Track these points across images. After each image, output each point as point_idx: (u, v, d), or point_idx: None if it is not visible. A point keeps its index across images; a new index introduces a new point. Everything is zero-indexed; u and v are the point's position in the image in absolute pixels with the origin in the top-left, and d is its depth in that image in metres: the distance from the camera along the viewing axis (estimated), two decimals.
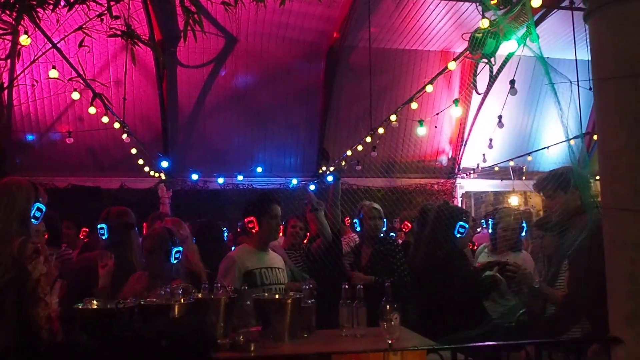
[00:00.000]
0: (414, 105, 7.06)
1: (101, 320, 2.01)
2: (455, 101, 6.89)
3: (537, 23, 6.83)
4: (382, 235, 3.75)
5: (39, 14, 2.56)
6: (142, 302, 2.10)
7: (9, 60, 6.54)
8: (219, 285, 2.35)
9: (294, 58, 8.97)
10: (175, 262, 2.75)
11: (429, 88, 6.80)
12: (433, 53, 9.20)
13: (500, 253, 3.52)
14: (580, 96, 3.87)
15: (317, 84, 9.35)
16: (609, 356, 1.89)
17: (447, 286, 2.96)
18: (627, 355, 1.83)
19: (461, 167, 10.56)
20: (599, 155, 1.97)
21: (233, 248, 4.08)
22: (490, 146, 9.10)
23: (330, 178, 8.47)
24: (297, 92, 9.27)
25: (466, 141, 10.30)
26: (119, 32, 2.91)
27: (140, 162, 8.50)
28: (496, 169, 9.96)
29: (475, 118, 9.94)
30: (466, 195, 10.71)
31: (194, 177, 9.47)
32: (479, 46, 3.47)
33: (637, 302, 1.82)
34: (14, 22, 2.66)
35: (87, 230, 5.35)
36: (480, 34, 3.47)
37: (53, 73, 5.98)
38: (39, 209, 2.16)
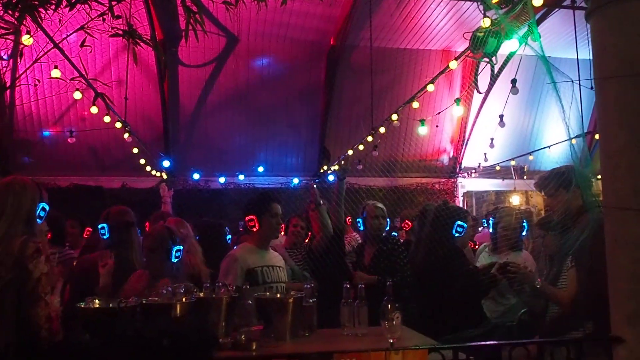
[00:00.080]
0: (415, 105, 7.05)
1: (103, 320, 2.02)
2: (457, 100, 6.88)
3: (539, 22, 6.82)
4: (384, 234, 3.75)
5: (41, 13, 2.57)
6: (144, 302, 2.11)
7: (11, 60, 6.58)
8: (220, 284, 2.35)
9: (295, 57, 8.97)
10: (175, 260, 2.76)
11: (430, 87, 6.80)
12: (434, 52, 9.19)
13: (500, 252, 3.52)
14: (581, 95, 3.86)
15: (318, 83, 9.35)
16: (611, 356, 1.90)
17: (447, 285, 2.97)
18: (629, 355, 1.83)
19: (462, 166, 10.55)
20: (601, 155, 1.97)
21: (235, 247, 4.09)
22: (492, 145, 9.09)
23: (331, 177, 8.48)
24: (298, 92, 9.27)
25: (467, 140, 10.29)
26: (120, 32, 2.92)
27: (142, 161, 8.51)
28: (497, 168, 9.94)
29: (476, 117, 9.93)
30: (467, 194, 10.70)
31: (196, 176, 9.48)
32: (481, 45, 3.47)
33: (638, 302, 1.82)
34: (16, 22, 2.67)
35: (91, 229, 5.36)
36: (482, 33, 3.47)
37: (55, 73, 5.99)
38: (43, 209, 2.18)
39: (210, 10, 7.14)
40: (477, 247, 4.74)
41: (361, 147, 7.87)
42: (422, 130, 7.49)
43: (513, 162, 9.67)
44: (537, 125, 10.28)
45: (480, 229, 6.61)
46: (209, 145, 9.37)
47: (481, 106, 9.68)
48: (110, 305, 2.06)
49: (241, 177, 9.67)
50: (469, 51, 4.11)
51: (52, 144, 8.91)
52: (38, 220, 2.15)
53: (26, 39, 3.45)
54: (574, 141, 2.36)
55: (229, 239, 4.19)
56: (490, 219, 3.91)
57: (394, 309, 1.99)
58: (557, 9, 6.22)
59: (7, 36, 2.83)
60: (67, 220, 4.34)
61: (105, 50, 8.23)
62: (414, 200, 9.01)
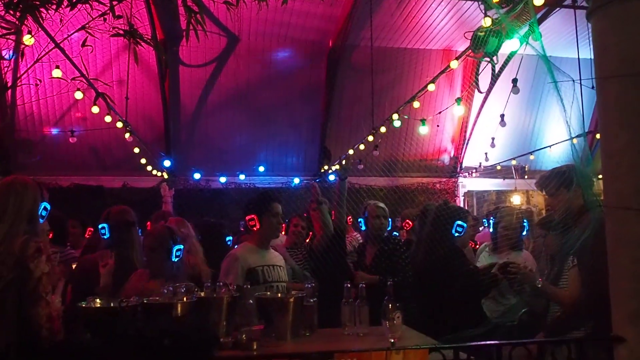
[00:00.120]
0: (416, 104, 7.05)
1: (104, 319, 2.02)
2: (458, 100, 6.89)
3: (540, 21, 6.82)
4: (386, 234, 3.75)
5: (42, 13, 2.57)
6: (145, 301, 2.11)
7: (12, 60, 6.58)
8: (221, 283, 2.36)
9: (296, 57, 8.97)
10: (176, 260, 2.76)
11: (431, 87, 6.80)
12: (435, 52, 9.19)
13: (501, 252, 3.52)
14: (583, 95, 3.85)
15: (318, 83, 9.34)
16: (612, 355, 1.89)
17: (447, 285, 2.97)
18: (630, 354, 1.83)
19: (463, 166, 10.55)
20: (602, 154, 1.97)
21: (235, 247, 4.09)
22: (493, 145, 9.08)
23: (332, 177, 8.48)
24: (298, 91, 9.27)
25: (468, 140, 10.28)
26: (121, 32, 2.93)
27: (143, 161, 8.52)
28: (498, 168, 9.94)
29: (477, 117, 9.92)
30: (468, 194, 10.69)
31: (196, 176, 9.49)
32: (481, 45, 3.47)
33: None
34: (17, 22, 2.67)
35: (92, 229, 5.37)
36: (483, 33, 3.47)
37: (56, 73, 6.00)
38: (44, 208, 2.18)
39: (211, 10, 7.14)
40: (477, 246, 4.74)
41: (362, 146, 7.87)
42: (423, 129, 7.49)
43: (514, 162, 9.66)
44: (538, 125, 10.28)
45: (481, 228, 6.61)
46: (210, 145, 9.38)
47: (482, 106, 9.68)
48: (112, 304, 2.06)
49: (242, 176, 9.67)
50: (470, 51, 4.12)
51: (53, 143, 8.92)
52: (40, 219, 2.15)
53: (27, 39, 3.45)
54: (575, 141, 2.36)
55: (229, 239, 4.19)
56: (491, 218, 3.90)
57: (395, 308, 2.00)
58: (558, 8, 6.22)
59: (8, 36, 2.83)
60: (68, 220, 4.35)
61: (106, 50, 8.24)
62: (414, 200, 9.01)
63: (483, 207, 10.44)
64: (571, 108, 2.21)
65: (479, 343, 2.04)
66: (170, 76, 8.83)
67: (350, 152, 8.27)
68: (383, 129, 7.23)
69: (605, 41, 1.95)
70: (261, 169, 9.74)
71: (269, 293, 2.65)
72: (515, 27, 3.03)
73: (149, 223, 4.14)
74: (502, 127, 7.72)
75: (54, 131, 8.85)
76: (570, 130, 2.26)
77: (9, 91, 7.89)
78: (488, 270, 3.02)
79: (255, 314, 2.39)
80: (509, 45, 3.66)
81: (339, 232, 3.66)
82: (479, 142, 9.89)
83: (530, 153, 9.70)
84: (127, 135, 7.51)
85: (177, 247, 2.77)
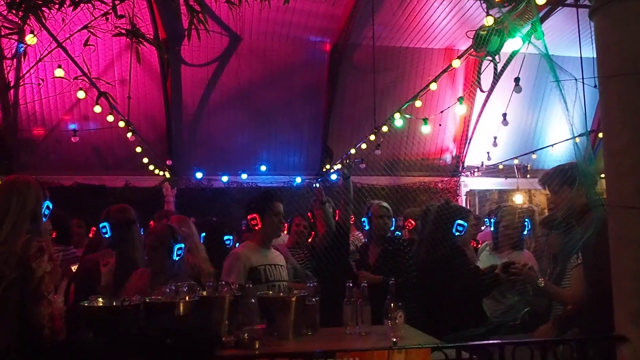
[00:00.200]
0: (418, 103, 7.04)
1: (106, 318, 2.03)
2: (460, 99, 6.87)
3: (542, 20, 6.81)
4: (389, 234, 3.74)
5: (44, 13, 2.58)
6: (147, 300, 2.11)
7: (15, 60, 6.59)
8: (223, 282, 2.36)
9: (298, 56, 8.97)
10: (177, 258, 2.77)
11: (433, 86, 6.79)
12: (437, 51, 9.17)
13: (502, 251, 3.51)
14: (585, 94, 3.85)
15: (320, 82, 9.34)
16: (614, 355, 1.89)
17: (447, 285, 2.96)
18: (633, 353, 1.82)
19: (465, 165, 10.54)
20: (604, 153, 1.97)
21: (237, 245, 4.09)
22: (495, 144, 9.06)
23: (334, 176, 8.48)
24: (300, 90, 9.27)
25: (470, 139, 10.27)
26: (123, 31, 2.93)
27: (145, 160, 8.54)
28: (500, 167, 9.92)
29: (479, 116, 9.91)
30: (470, 193, 10.68)
31: (198, 175, 9.51)
32: (484, 44, 3.47)
33: None
34: (20, 22, 2.68)
35: (95, 228, 5.39)
36: (485, 32, 3.47)
37: (59, 72, 6.01)
38: (47, 207, 2.19)
39: (213, 10, 7.14)
40: (479, 245, 4.73)
41: (364, 145, 7.87)
42: (425, 129, 7.47)
43: (516, 161, 9.64)
44: (540, 124, 10.25)
45: (483, 227, 6.59)
46: (212, 144, 9.39)
47: (484, 105, 9.66)
48: (114, 303, 2.07)
49: (244, 176, 9.69)
50: (472, 50, 4.11)
51: (55, 143, 8.95)
52: (43, 218, 2.16)
53: (30, 39, 3.46)
54: (577, 140, 2.35)
55: (228, 238, 4.18)
56: (492, 218, 3.89)
57: (397, 308, 1.99)
58: (560, 7, 6.21)
59: (11, 36, 2.84)
60: (73, 220, 4.36)
61: (109, 50, 8.25)
62: (416, 199, 9.00)
63: (485, 207, 10.43)
64: (574, 107, 2.20)
65: (481, 342, 2.04)
66: (172, 75, 8.84)
67: (352, 151, 8.27)
68: (385, 128, 7.23)
69: (608, 40, 1.94)
70: (263, 168, 9.75)
71: (271, 292, 2.65)
72: (517, 25, 3.02)
73: (151, 222, 4.14)
74: (505, 126, 7.71)
75: (56, 130, 8.87)
76: (572, 129, 2.25)
77: (12, 91, 7.91)
78: (490, 271, 3.01)
79: (258, 313, 2.39)
80: (511, 44, 3.65)
81: (343, 231, 3.65)
82: (481, 141, 9.87)
83: (533, 152, 9.68)
84: (129, 134, 7.53)
85: (178, 245, 2.78)
